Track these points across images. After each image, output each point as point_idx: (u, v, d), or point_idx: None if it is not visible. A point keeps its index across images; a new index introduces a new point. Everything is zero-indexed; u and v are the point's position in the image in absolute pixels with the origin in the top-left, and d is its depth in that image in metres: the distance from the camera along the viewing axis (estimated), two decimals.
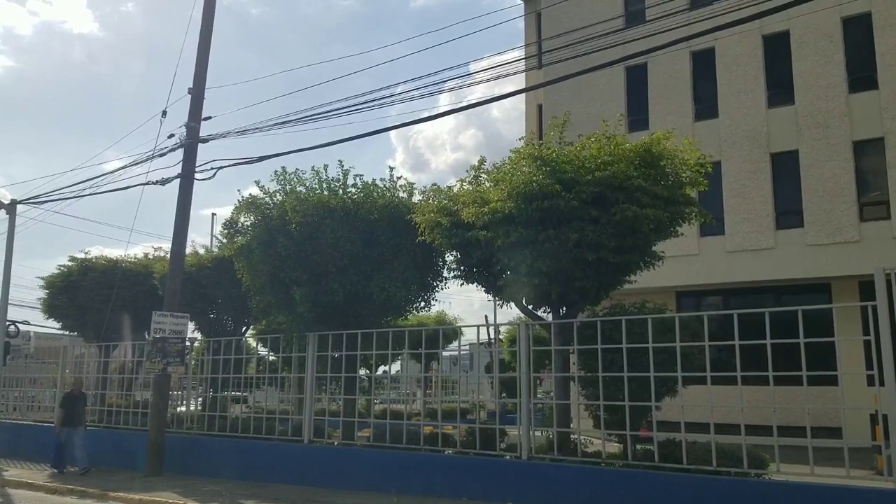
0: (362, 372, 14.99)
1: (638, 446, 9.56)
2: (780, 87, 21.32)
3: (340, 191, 14.50)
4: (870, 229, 19.33)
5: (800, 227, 20.34)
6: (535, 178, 10.05)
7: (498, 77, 12.35)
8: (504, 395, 15.54)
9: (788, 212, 20.72)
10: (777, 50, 21.44)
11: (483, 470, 10.26)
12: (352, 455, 12.08)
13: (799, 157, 20.69)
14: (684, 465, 7.69)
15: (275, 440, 13.18)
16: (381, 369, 25.70)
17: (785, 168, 21.02)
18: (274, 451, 12.96)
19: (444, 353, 32.01)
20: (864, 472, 11.50)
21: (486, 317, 71.00)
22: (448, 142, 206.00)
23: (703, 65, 22.66)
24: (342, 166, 14.78)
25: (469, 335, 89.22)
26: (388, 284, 13.77)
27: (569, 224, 10.04)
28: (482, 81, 19.65)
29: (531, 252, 10.21)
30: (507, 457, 10.22)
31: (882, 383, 6.78)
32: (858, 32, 20.19)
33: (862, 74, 20.09)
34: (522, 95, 30.86)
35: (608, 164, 10.11)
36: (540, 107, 27.69)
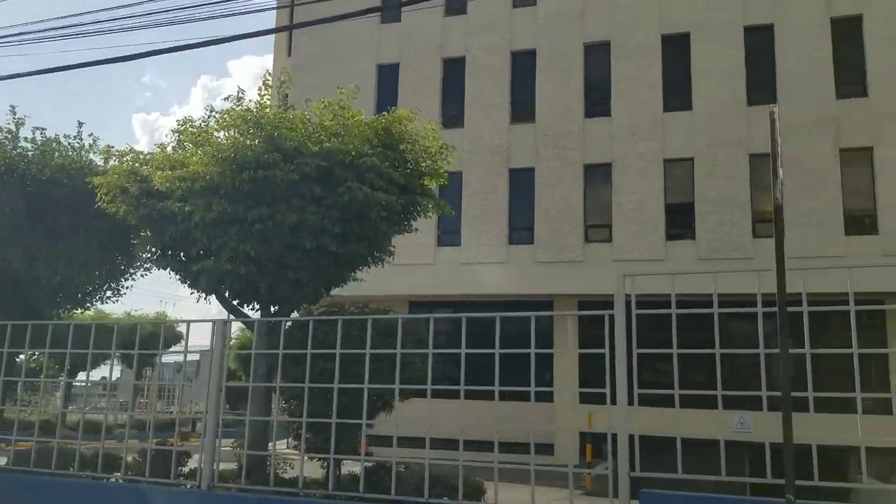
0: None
1: (349, 471, 8.20)
2: (523, 104, 21.64)
3: (9, 145, 11.63)
4: (593, 251, 20.06)
5: (530, 243, 20.64)
6: (248, 143, 8.35)
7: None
8: (227, 406, 13.43)
9: (522, 228, 20.98)
10: (524, 67, 21.77)
11: (152, 502, 8.22)
12: None
13: (535, 175, 21.05)
14: (391, 496, 6.41)
15: None
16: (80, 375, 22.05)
17: (522, 185, 21.33)
18: None
19: (165, 359, 28.68)
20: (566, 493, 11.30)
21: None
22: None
23: (454, 72, 22.42)
24: (14, 114, 11.90)
25: (201, 339, 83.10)
26: (63, 266, 11.16)
27: (286, 202, 8.50)
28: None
29: (238, 232, 8.51)
30: (186, 486, 8.30)
31: (614, 401, 5.99)
32: (598, 59, 21.07)
33: (598, 101, 20.96)
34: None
35: (339, 136, 8.71)
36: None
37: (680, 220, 19.76)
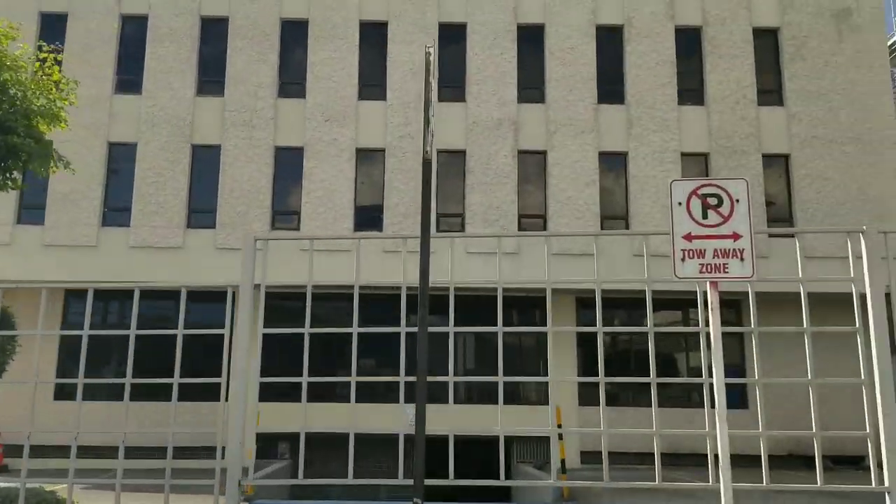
0: None
1: None
2: (212, 76, 19.87)
3: None
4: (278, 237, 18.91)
5: (212, 227, 18.95)
6: None
7: None
8: None
9: (203, 210, 19.18)
10: (215, 36, 20.08)
11: None
12: None
13: (221, 153, 19.41)
14: None
15: None
16: None
17: (206, 163, 19.54)
18: None
19: None
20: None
21: None
22: None
23: (133, 31, 19.94)
24: None
25: None
26: None
27: None
28: None
29: None
30: None
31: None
32: (295, 37, 20.11)
33: (293, 80, 19.96)
34: None
35: None
36: None
37: (371, 211, 19.43)
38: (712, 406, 4.00)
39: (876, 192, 18.62)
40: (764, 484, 3.88)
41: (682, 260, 4.04)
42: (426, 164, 4.26)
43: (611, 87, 19.70)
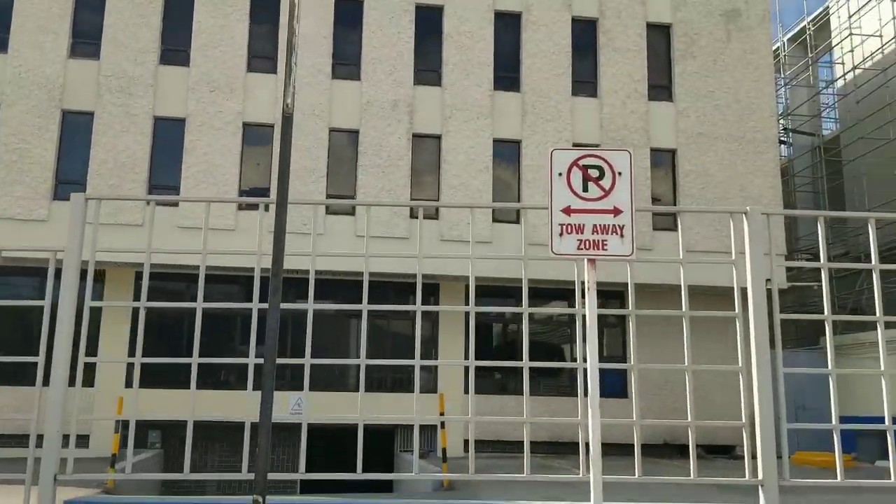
0: None
1: None
2: (87, 37, 18.51)
3: None
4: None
5: None
6: None
7: None
8: None
9: (71, 181, 17.81)
10: None
11: None
12: None
13: (94, 120, 18.09)
14: None
15: None
16: None
17: (77, 130, 18.19)
18: None
19: None
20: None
21: None
22: None
23: None
24: None
25: None
26: None
27: None
28: None
29: None
30: None
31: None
32: (181, 1, 18.91)
33: (176, 47, 18.83)
34: None
35: None
36: None
37: (258, 191, 18.59)
38: (586, 394, 3.73)
39: (756, 191, 19.30)
40: (636, 476, 3.65)
41: (560, 235, 3.75)
42: (286, 119, 3.78)
43: (507, 74, 19.58)
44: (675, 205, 19.39)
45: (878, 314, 3.75)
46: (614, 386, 18.85)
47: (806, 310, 20.80)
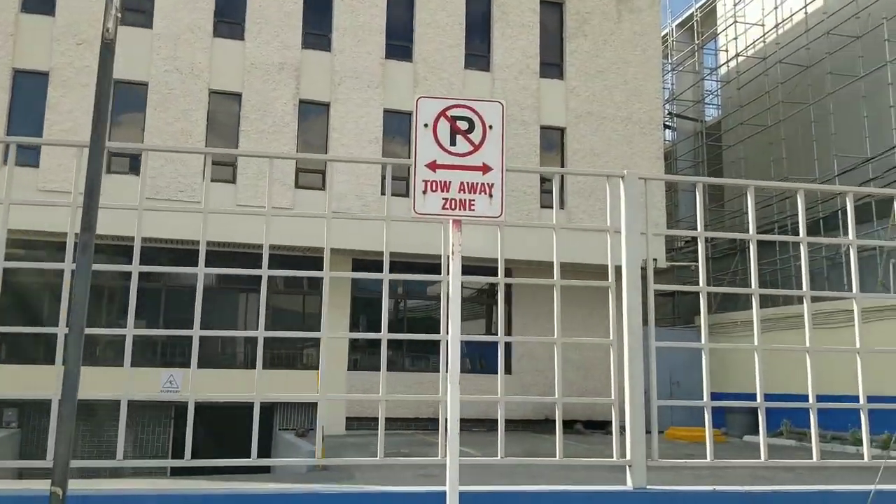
0: None
1: None
2: None
3: None
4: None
5: None
6: None
7: None
8: None
9: None
10: None
11: None
12: None
13: None
14: None
15: None
16: None
17: None
18: None
19: None
20: None
21: None
22: None
23: None
24: None
25: None
26: None
27: None
28: None
29: None
30: None
31: None
32: None
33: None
34: None
35: None
36: None
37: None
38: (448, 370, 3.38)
39: (641, 171, 19.64)
40: (499, 457, 3.36)
41: (424, 193, 3.37)
42: (105, 45, 3.21)
43: (399, 42, 19.06)
44: (563, 183, 19.50)
45: (753, 286, 3.59)
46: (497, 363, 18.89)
47: (683, 290, 21.45)
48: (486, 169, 3.38)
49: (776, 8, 22.36)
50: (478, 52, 19.54)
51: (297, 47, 18.36)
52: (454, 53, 19.14)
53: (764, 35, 23.01)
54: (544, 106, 19.60)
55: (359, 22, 18.74)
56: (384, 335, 3.61)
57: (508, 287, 19.63)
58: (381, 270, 3.57)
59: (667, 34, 26.77)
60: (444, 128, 3.42)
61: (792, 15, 21.81)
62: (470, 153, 3.40)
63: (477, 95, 18.93)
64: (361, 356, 18.44)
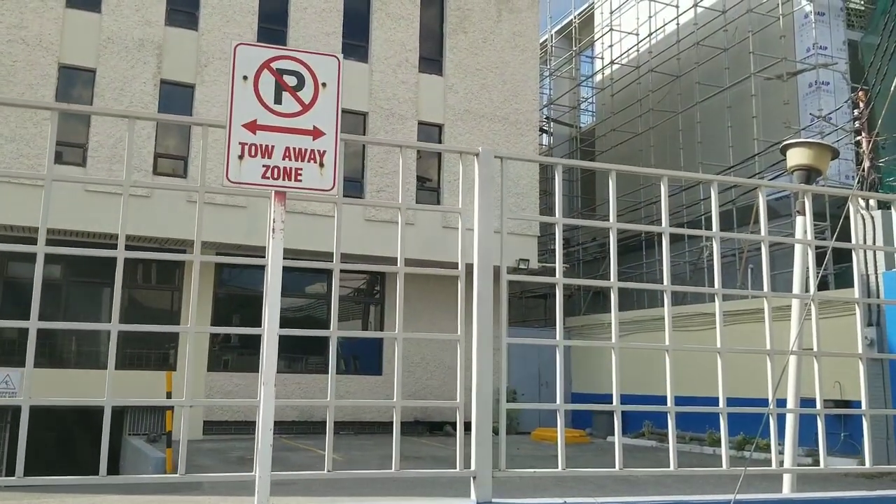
0: None
1: None
2: None
3: None
4: None
5: None
6: None
7: None
8: None
9: None
10: None
11: None
12: None
13: None
14: None
15: None
16: None
17: None
18: None
19: None
20: None
21: None
22: None
23: None
24: None
25: None
26: None
27: None
28: None
29: None
30: None
31: None
32: None
33: None
34: None
35: None
36: None
37: None
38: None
39: (515, 172, 19.67)
40: (325, 470, 2.89)
41: (241, 157, 2.85)
42: None
43: (273, 26, 18.17)
44: (439, 180, 19.24)
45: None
46: (370, 364, 18.40)
47: (553, 292, 21.72)
48: (317, 133, 2.90)
49: (650, 17, 23.02)
50: (356, 41, 18.94)
51: (159, 24, 17.15)
52: (331, 41, 18.44)
53: (638, 44, 23.65)
54: (423, 101, 19.25)
55: (229, 1, 17.75)
56: (191, 329, 3.07)
57: (382, 287, 19.19)
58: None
59: (546, 41, 27.11)
60: (267, 82, 2.92)
61: (664, 25, 22.51)
62: (298, 114, 2.91)
63: (355, 87, 18.35)
64: (213, 356, 17.36)
